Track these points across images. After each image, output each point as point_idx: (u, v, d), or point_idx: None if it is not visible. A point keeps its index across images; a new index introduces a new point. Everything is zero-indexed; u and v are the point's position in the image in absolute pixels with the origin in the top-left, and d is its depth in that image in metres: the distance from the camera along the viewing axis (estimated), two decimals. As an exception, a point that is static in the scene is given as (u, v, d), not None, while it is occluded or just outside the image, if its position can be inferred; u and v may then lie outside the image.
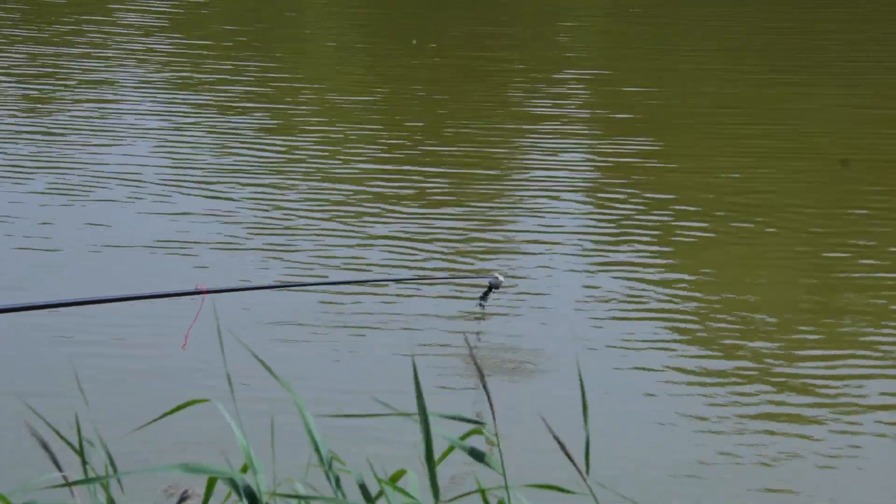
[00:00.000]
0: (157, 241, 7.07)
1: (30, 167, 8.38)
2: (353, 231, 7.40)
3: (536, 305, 6.42)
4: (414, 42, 12.79)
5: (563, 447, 1.96)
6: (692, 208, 7.90)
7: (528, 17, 14.01)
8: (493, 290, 5.71)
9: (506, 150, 9.18)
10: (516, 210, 7.95)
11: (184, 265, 6.79)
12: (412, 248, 7.17)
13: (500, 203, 8.05)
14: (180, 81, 10.79)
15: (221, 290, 5.31)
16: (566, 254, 7.18)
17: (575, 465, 1.94)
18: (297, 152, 8.89)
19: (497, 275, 5.33)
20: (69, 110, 9.82)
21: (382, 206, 7.79)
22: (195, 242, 7.11)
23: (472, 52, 12.14)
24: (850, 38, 13.06)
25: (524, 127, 9.69)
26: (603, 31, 13.73)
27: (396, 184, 8.21)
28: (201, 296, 4.64)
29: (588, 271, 6.95)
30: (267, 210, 7.68)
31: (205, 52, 11.85)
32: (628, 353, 5.93)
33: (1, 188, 7.97)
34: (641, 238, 7.44)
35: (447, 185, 8.26)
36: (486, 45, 12.42)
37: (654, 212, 7.85)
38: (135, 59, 11.45)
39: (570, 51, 12.57)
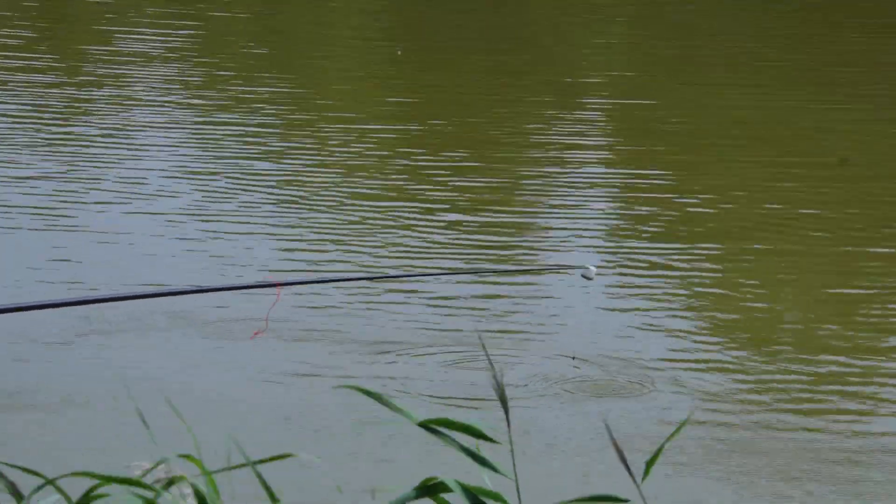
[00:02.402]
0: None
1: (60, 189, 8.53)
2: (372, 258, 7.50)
3: (569, 324, 6.64)
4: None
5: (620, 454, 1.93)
6: (723, 236, 8.10)
7: (548, 34, 14.08)
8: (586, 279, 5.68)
9: (527, 182, 9.30)
10: (541, 239, 8.12)
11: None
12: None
13: (525, 235, 8.21)
14: (203, 103, 10.93)
15: (295, 282, 5.38)
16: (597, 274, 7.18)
17: (629, 470, 1.91)
18: (321, 173, 9.05)
19: (590, 266, 5.32)
20: (93, 135, 9.91)
21: (391, 238, 7.96)
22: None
23: (493, 79, 12.22)
24: (879, 56, 13.21)
25: (546, 156, 9.80)
26: (624, 54, 13.76)
27: (405, 218, 8.32)
28: (276, 289, 4.64)
29: (619, 301, 7.00)
30: (299, 226, 7.89)
31: (227, 75, 11.96)
32: (661, 382, 6.13)
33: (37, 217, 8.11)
34: (673, 268, 7.61)
35: (468, 220, 8.38)
36: (507, 70, 12.51)
37: (684, 241, 8.00)
38: (158, 82, 11.58)
39: (591, 74, 12.72)
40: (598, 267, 5.63)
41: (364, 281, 6.98)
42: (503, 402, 1.89)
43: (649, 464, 1.88)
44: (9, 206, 8.27)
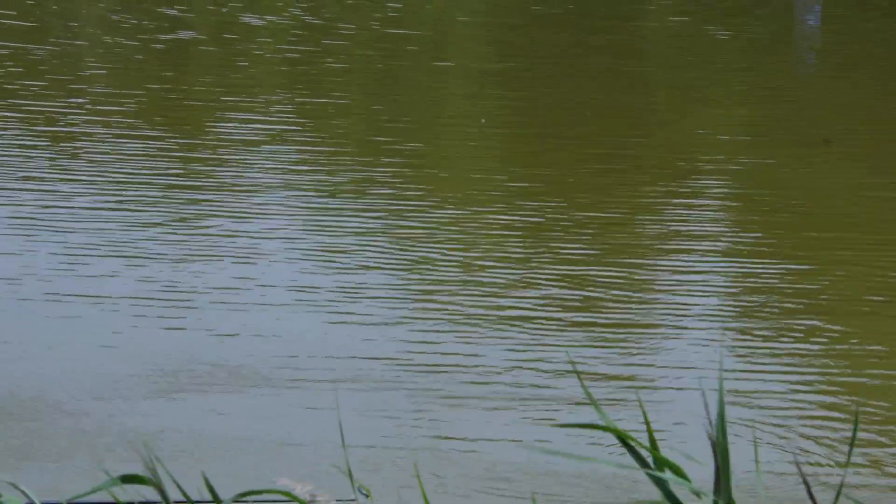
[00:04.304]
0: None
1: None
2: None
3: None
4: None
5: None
6: (848, 323, 8.32)
7: (662, 114, 14.19)
8: None
9: (640, 268, 9.60)
10: (655, 327, 8.34)
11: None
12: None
13: (640, 319, 8.42)
14: (313, 185, 11.36)
15: None
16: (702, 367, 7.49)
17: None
18: (433, 257, 9.45)
19: None
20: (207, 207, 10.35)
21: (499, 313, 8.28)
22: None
23: (606, 160, 12.45)
24: None
25: (660, 242, 10.06)
26: (742, 136, 13.81)
27: (515, 305, 8.64)
28: None
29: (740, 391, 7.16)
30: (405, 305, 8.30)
31: (342, 155, 12.37)
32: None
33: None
34: (794, 357, 7.83)
35: (582, 304, 8.72)
36: (620, 152, 12.75)
37: (805, 330, 8.11)
38: (272, 164, 11.99)
39: (707, 156, 12.84)
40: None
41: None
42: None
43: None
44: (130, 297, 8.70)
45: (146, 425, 6.90)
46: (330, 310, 8.41)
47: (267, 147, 12.50)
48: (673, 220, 10.43)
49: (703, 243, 9.89)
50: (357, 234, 10.03)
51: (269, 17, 18.80)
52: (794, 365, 7.73)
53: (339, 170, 11.84)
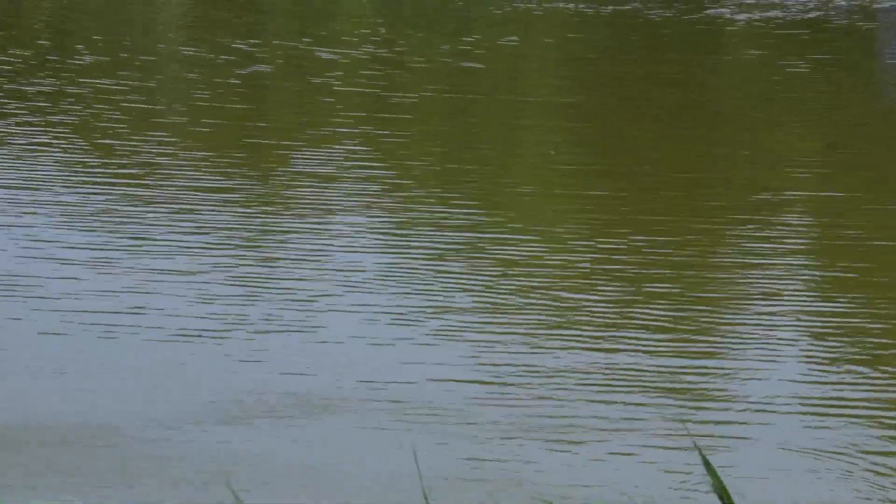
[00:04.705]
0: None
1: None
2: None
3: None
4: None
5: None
6: None
7: (740, 148, 14.21)
8: None
9: (718, 306, 9.56)
10: (734, 367, 8.25)
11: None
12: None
13: (716, 361, 8.35)
14: (389, 216, 11.48)
15: None
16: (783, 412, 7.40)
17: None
18: (503, 295, 9.51)
19: None
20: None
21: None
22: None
23: (683, 196, 12.48)
24: None
25: (740, 279, 10.03)
26: (824, 169, 13.76)
27: (588, 348, 8.70)
28: None
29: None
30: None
31: (415, 189, 12.47)
32: None
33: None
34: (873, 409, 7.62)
35: (658, 346, 8.74)
36: (697, 187, 12.75)
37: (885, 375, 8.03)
38: (348, 195, 12.05)
39: (783, 189, 12.77)
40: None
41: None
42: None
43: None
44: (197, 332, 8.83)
45: (221, 453, 7.04)
46: (401, 341, 8.50)
47: (340, 182, 12.60)
48: (751, 257, 10.41)
49: (784, 281, 9.87)
50: (430, 271, 10.09)
51: (342, 51, 18.98)
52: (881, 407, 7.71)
53: (412, 204, 11.93)
